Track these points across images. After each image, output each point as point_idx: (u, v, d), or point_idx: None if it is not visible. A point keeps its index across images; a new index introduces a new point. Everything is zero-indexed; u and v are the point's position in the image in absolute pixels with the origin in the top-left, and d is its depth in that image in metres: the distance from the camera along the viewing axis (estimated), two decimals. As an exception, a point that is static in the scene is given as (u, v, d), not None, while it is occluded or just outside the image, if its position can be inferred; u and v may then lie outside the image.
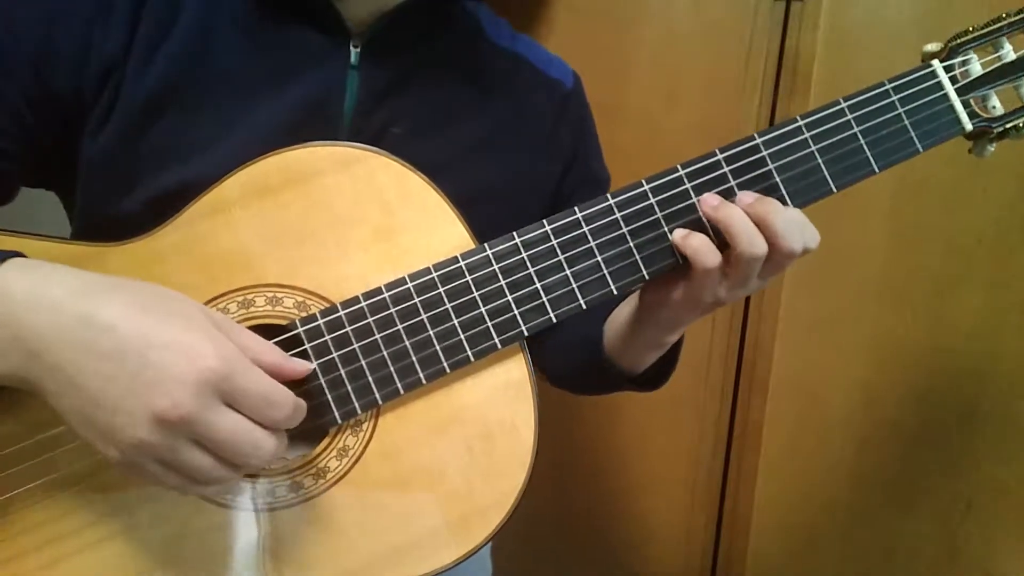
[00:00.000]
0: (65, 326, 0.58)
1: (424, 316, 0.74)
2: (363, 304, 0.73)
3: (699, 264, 0.74)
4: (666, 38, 1.48)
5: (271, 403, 0.62)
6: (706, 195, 0.75)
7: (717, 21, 1.44)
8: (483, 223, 0.76)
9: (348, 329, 0.73)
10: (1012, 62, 0.78)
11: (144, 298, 0.62)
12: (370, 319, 0.73)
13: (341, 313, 0.73)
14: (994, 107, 0.79)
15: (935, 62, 0.79)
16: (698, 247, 0.74)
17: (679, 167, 0.76)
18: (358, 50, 0.84)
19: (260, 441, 0.62)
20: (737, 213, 0.73)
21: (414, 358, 0.73)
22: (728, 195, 0.75)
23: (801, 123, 0.76)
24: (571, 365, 0.95)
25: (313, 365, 0.71)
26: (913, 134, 0.77)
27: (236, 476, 0.63)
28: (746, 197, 0.74)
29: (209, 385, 0.58)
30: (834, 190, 0.77)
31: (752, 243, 0.72)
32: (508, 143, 0.93)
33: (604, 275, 0.75)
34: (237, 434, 0.60)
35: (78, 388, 0.58)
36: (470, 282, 0.74)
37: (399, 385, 0.73)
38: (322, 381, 0.72)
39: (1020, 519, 1.46)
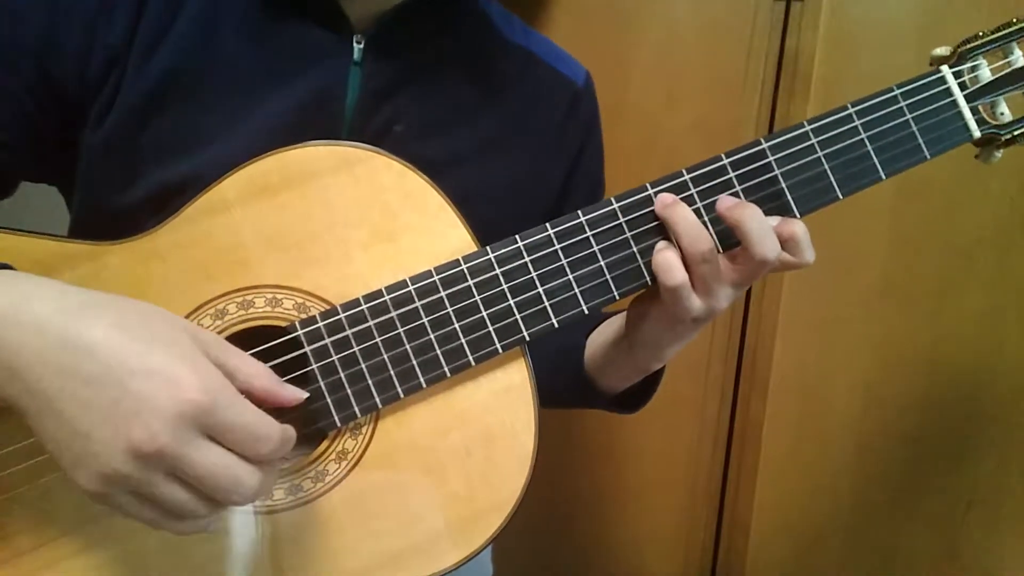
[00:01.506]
0: (46, 347, 0.56)
1: (425, 319, 0.73)
2: (363, 307, 0.72)
3: (662, 281, 0.73)
4: (666, 38, 1.47)
5: (256, 437, 0.59)
6: (661, 194, 0.74)
7: (717, 21, 1.44)
8: (487, 222, 0.76)
9: (348, 332, 0.72)
10: (1022, 68, 0.78)
11: (130, 319, 0.59)
12: (370, 322, 0.72)
13: (341, 315, 0.72)
14: (1002, 114, 0.79)
15: (944, 68, 0.78)
16: (660, 263, 0.73)
17: (684, 171, 0.75)
18: (361, 46, 0.83)
19: (242, 477, 0.59)
20: (682, 211, 0.72)
21: (414, 362, 0.73)
22: None
23: (808, 128, 0.75)
24: (546, 374, 0.89)
25: (306, 395, 0.68)
26: (921, 141, 0.77)
27: (215, 512, 0.61)
28: (726, 201, 0.73)
29: (189, 418, 0.56)
30: (840, 197, 0.76)
31: (695, 240, 0.71)
32: (515, 141, 0.92)
33: (607, 280, 0.75)
34: (217, 468, 0.58)
35: (56, 412, 0.56)
36: (472, 285, 0.74)
37: (399, 389, 0.72)
38: (321, 384, 0.72)
39: (1020, 519, 1.47)
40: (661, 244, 0.74)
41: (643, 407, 0.93)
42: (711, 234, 0.73)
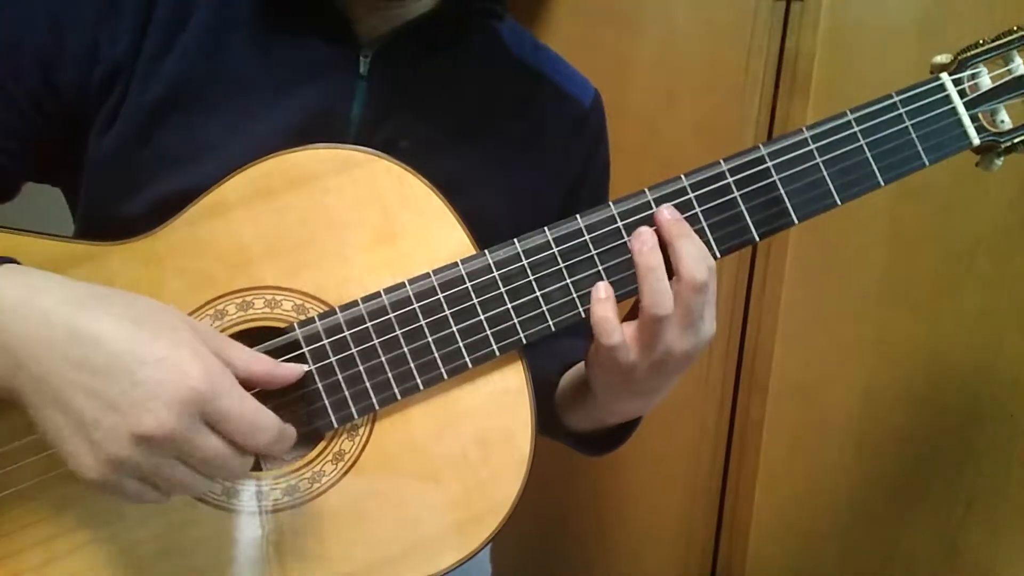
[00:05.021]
0: (53, 338, 0.58)
1: (423, 322, 0.73)
2: (362, 308, 0.73)
3: (598, 337, 0.73)
4: (666, 38, 1.47)
5: (253, 426, 0.62)
6: (669, 223, 0.73)
7: (717, 21, 1.43)
8: (490, 239, 0.75)
9: (346, 333, 0.72)
10: (1022, 76, 0.78)
11: (133, 311, 0.61)
12: (368, 324, 0.72)
13: (339, 317, 0.72)
14: (1002, 121, 0.78)
15: (944, 75, 0.78)
16: (597, 320, 0.73)
17: (683, 177, 0.75)
18: (367, 60, 0.83)
19: (235, 464, 0.62)
20: (688, 247, 0.71)
21: (412, 364, 0.73)
22: (731, 206, 0.75)
23: (807, 135, 0.75)
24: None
25: (305, 368, 0.71)
26: (920, 148, 0.77)
27: (214, 485, 0.65)
28: (665, 212, 0.73)
29: (194, 405, 0.58)
30: (839, 203, 0.76)
31: (657, 304, 0.70)
32: (520, 161, 0.91)
33: None
34: (216, 457, 0.61)
35: (62, 402, 0.58)
36: (470, 289, 0.74)
37: (396, 391, 0.73)
38: (319, 385, 0.72)
39: (1020, 519, 1.47)
40: (600, 290, 0.73)
41: (605, 454, 0.92)
42: (710, 240, 0.74)
